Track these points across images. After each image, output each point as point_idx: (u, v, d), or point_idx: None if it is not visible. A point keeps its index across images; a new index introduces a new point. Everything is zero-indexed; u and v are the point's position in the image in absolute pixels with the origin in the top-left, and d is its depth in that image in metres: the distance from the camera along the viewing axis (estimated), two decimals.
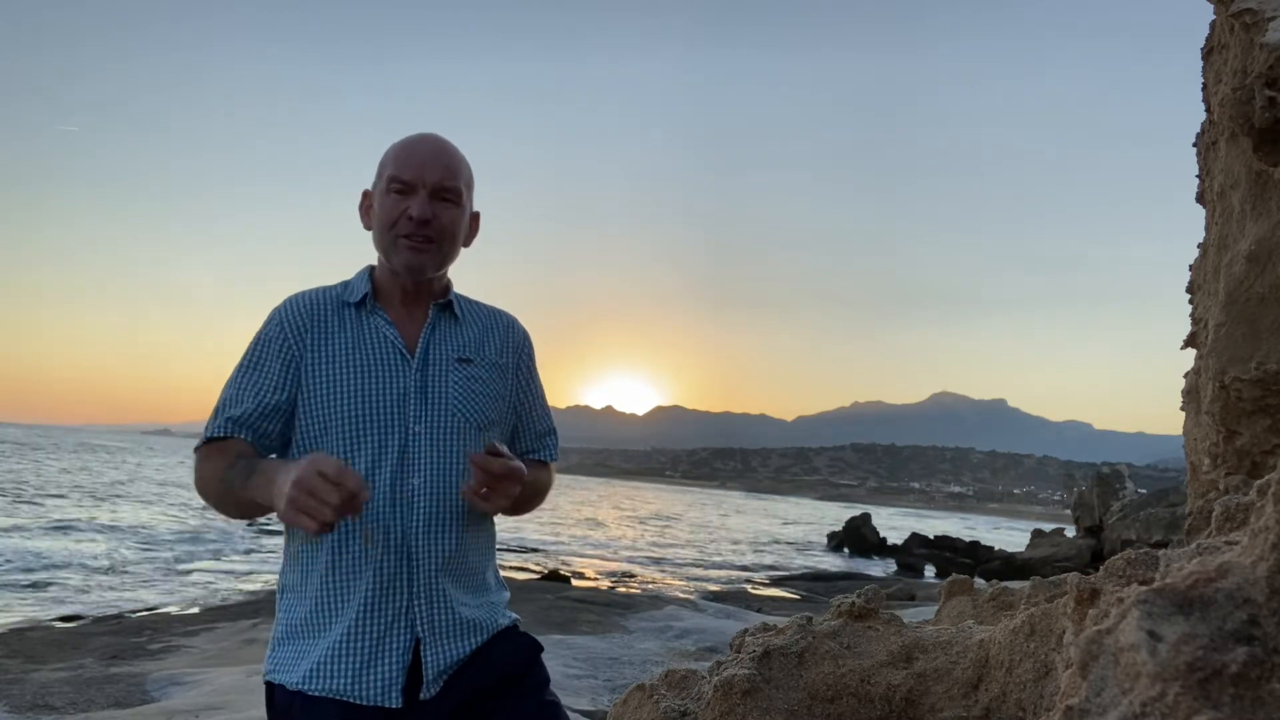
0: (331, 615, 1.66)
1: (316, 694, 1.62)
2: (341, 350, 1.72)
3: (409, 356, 1.74)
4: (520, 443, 1.92)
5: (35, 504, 24.08)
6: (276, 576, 1.80)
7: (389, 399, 1.69)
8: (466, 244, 1.86)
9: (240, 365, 1.74)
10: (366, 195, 1.82)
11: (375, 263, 1.84)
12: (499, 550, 1.91)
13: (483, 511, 1.71)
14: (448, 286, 1.86)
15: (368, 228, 1.80)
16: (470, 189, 1.82)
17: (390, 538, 1.66)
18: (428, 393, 1.72)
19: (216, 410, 1.72)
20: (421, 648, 1.66)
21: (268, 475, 1.56)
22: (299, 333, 1.73)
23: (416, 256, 1.73)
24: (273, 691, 1.69)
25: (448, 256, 1.79)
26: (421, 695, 1.65)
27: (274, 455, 1.75)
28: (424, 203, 1.72)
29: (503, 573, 1.91)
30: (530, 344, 1.95)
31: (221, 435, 1.69)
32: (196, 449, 1.73)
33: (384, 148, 1.83)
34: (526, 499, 1.87)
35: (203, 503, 1.78)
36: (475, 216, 1.87)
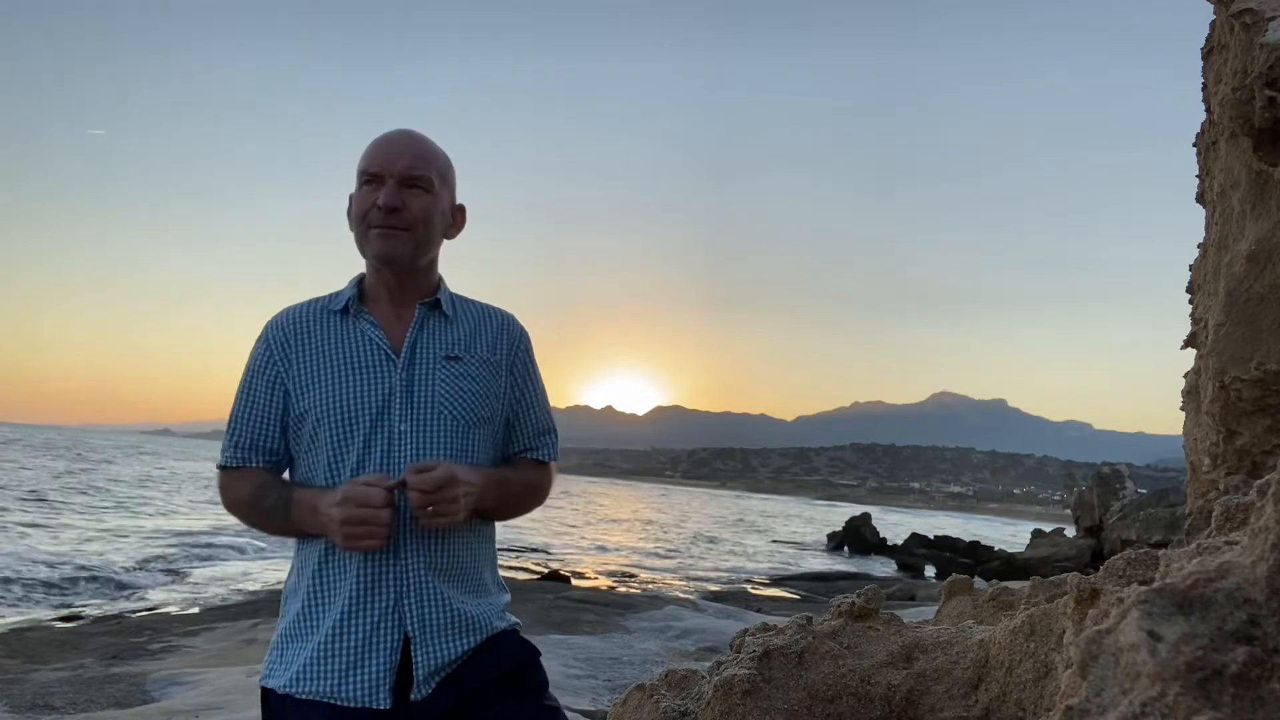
0: (318, 617, 1.66)
1: (304, 696, 1.62)
2: (326, 355, 1.74)
3: (394, 356, 1.74)
4: (517, 441, 1.89)
5: (35, 504, 24.07)
6: (276, 577, 1.81)
7: (374, 398, 1.70)
8: (450, 236, 1.85)
9: (239, 390, 1.79)
10: (351, 198, 1.82)
11: (365, 269, 1.85)
12: (498, 550, 1.90)
13: (441, 527, 1.68)
14: (437, 284, 1.85)
15: (351, 228, 1.81)
16: (446, 179, 1.81)
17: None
18: (413, 391, 1.72)
19: (226, 436, 1.79)
20: (411, 647, 1.64)
21: (306, 508, 1.66)
22: (284, 348, 1.75)
23: (387, 244, 1.73)
24: (266, 696, 1.70)
25: (422, 244, 1.77)
26: (412, 696, 1.63)
27: (287, 473, 1.80)
28: (392, 190, 1.72)
29: (502, 573, 1.90)
30: (527, 340, 1.92)
31: (235, 465, 1.77)
32: (218, 469, 1.80)
33: None
34: (519, 500, 1.86)
35: (207, 504, 1.81)
36: (460, 209, 1.86)
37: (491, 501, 1.77)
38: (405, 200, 1.72)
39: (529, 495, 1.89)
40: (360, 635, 1.63)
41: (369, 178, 1.74)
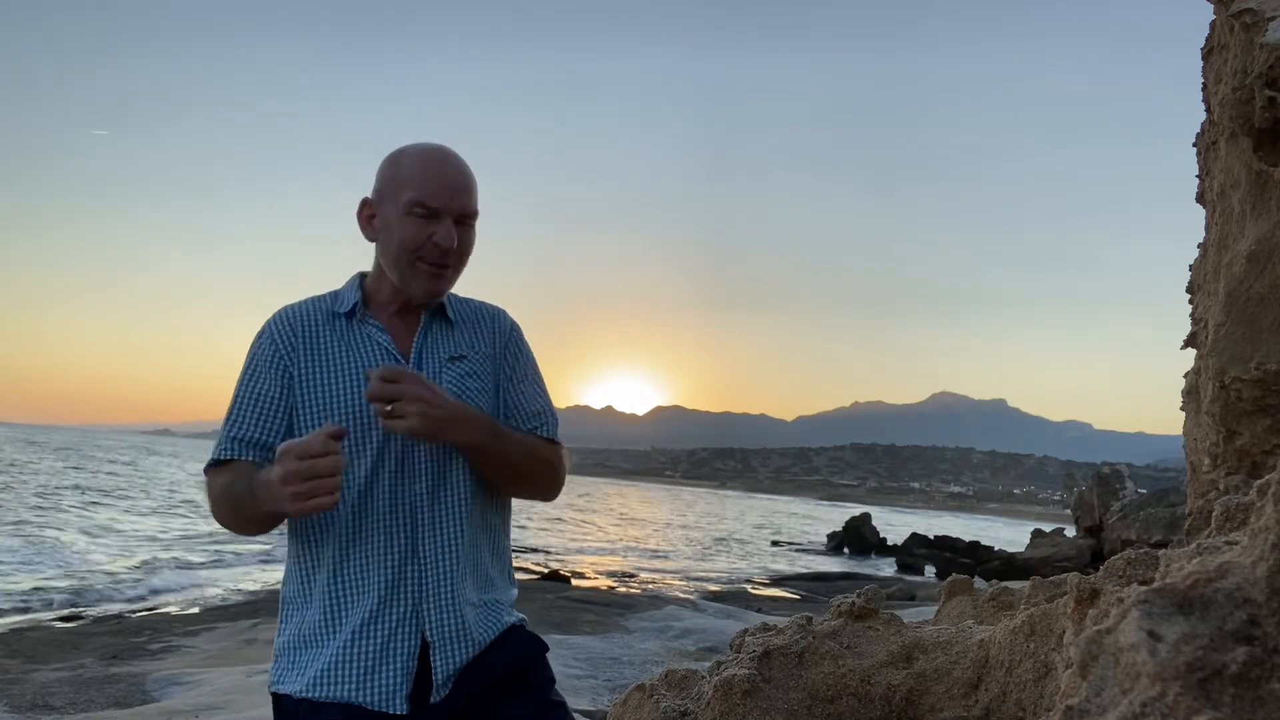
0: (337, 622, 1.65)
1: (322, 700, 1.61)
2: (335, 360, 1.71)
3: (403, 360, 1.73)
4: (511, 424, 1.82)
5: (35, 504, 24.07)
6: (276, 577, 1.80)
7: None
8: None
9: (238, 385, 1.73)
10: (366, 204, 1.76)
11: (366, 269, 1.83)
12: None
13: (402, 431, 1.60)
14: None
15: (370, 238, 1.76)
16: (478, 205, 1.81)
17: (394, 541, 1.65)
18: None
19: (223, 429, 1.72)
20: (430, 652, 1.64)
21: (263, 487, 1.55)
22: (290, 345, 1.72)
23: (438, 284, 1.73)
24: (279, 702, 1.68)
25: (460, 274, 1.79)
26: (431, 699, 1.63)
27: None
28: (451, 231, 1.68)
29: None
30: (518, 331, 1.91)
31: (228, 458, 1.69)
32: (205, 470, 1.72)
33: (382, 148, 1.80)
34: (523, 464, 1.77)
35: (207, 508, 1.77)
36: None
37: (494, 458, 1.71)
38: (459, 236, 1.71)
39: (534, 462, 1.80)
40: (380, 640, 1.62)
41: (425, 210, 1.67)
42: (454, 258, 1.72)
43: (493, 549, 1.80)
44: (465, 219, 1.72)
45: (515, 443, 1.77)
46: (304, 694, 1.62)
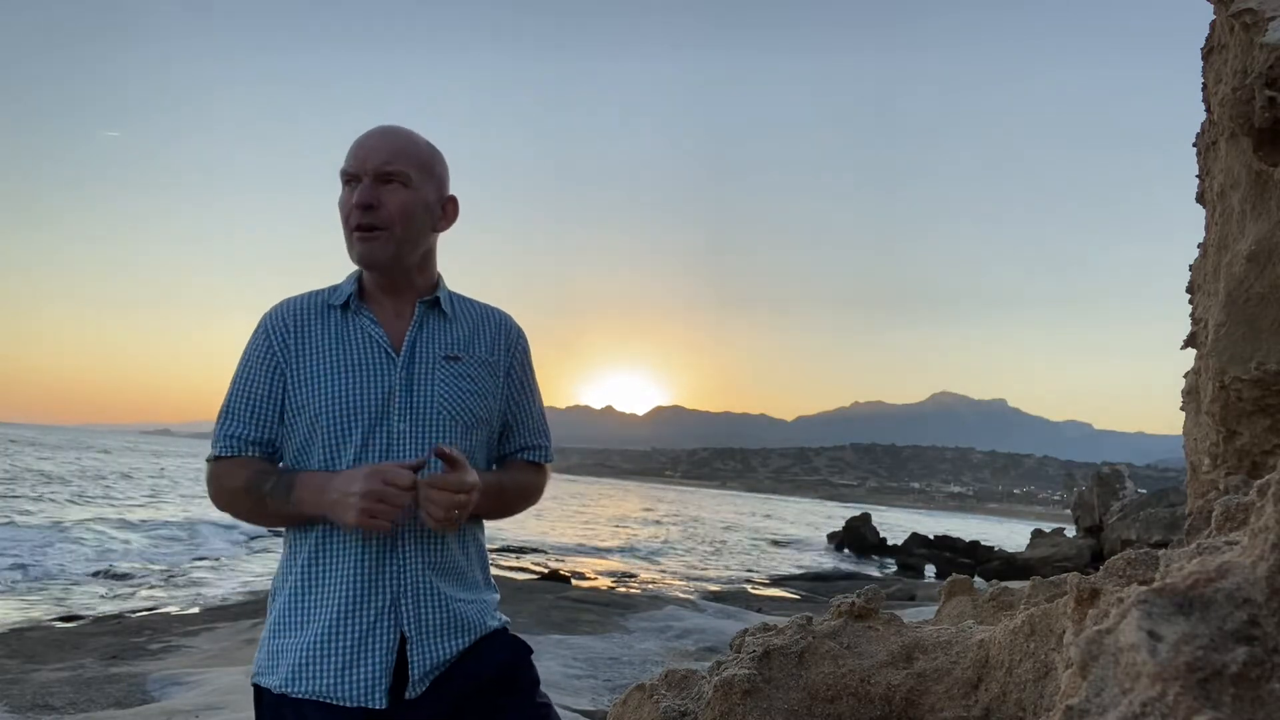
0: (309, 610, 1.65)
1: (299, 696, 1.61)
2: (326, 351, 1.72)
3: (394, 354, 1.72)
4: (512, 442, 1.89)
5: (35, 504, 24.06)
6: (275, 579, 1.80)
7: (374, 397, 1.68)
8: (440, 229, 1.82)
9: (234, 379, 1.75)
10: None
11: None
12: (496, 550, 1.91)
13: (441, 531, 1.67)
14: (435, 284, 1.83)
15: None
16: (429, 171, 1.76)
17: (374, 534, 1.64)
18: (413, 390, 1.71)
19: (218, 425, 1.74)
20: (408, 646, 1.63)
21: (313, 489, 1.62)
22: (283, 339, 1.73)
23: (366, 247, 1.71)
24: (260, 694, 1.68)
25: (404, 243, 1.73)
26: (407, 695, 1.62)
27: (284, 463, 1.77)
28: (366, 188, 1.69)
29: (502, 573, 1.90)
30: (525, 342, 1.91)
31: (230, 454, 1.71)
32: (209, 460, 1.75)
33: None
34: (512, 505, 1.87)
35: (209, 506, 1.78)
36: (450, 201, 1.83)
37: (486, 509, 1.77)
38: (381, 197, 1.69)
39: (522, 499, 1.89)
40: (357, 634, 1.62)
41: (348, 178, 1.72)
42: (381, 219, 1.69)
43: (474, 549, 1.81)
44: (385, 177, 1.70)
45: (510, 490, 1.84)
46: (283, 689, 1.62)
